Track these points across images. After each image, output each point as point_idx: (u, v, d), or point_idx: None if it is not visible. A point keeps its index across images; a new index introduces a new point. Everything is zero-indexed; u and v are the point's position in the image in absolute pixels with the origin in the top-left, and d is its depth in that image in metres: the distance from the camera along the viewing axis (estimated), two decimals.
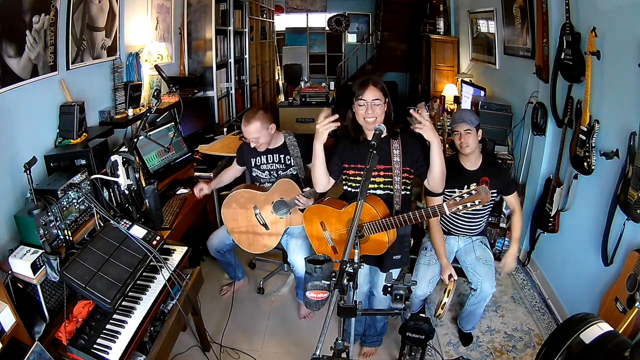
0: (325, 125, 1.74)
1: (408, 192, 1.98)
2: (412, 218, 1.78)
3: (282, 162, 2.50)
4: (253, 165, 2.54)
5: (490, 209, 2.42)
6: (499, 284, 2.97)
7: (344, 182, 2.03)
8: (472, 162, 2.33)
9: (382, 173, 1.91)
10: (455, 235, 2.43)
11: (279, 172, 2.51)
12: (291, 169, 2.51)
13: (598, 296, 2.16)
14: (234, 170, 2.69)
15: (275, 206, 2.45)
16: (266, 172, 2.53)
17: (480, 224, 2.40)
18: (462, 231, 2.40)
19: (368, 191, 1.90)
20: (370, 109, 1.77)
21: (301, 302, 2.80)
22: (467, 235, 2.42)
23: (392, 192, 1.93)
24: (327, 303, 1.30)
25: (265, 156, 2.50)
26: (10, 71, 1.79)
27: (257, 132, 2.35)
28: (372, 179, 1.91)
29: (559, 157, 2.66)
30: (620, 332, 1.69)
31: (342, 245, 1.99)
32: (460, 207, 1.67)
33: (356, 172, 1.96)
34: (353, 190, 1.99)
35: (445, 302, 2.20)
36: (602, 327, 1.40)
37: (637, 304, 1.80)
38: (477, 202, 1.64)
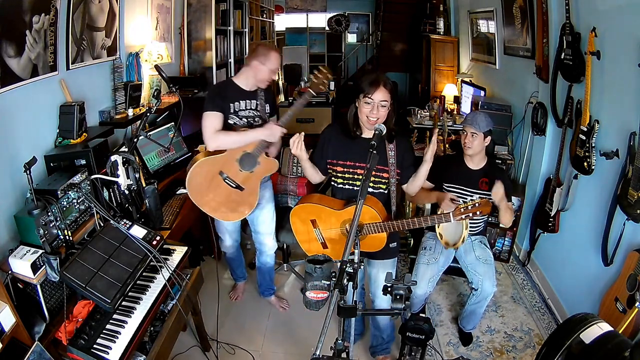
0: (297, 147, 1.84)
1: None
2: (417, 222, 1.80)
3: (256, 108, 2.31)
4: (232, 111, 2.24)
5: None
6: (499, 284, 2.97)
7: (332, 179, 2.03)
8: (475, 162, 2.36)
9: (374, 172, 1.91)
10: None
11: (255, 120, 2.30)
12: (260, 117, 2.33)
13: (598, 296, 2.16)
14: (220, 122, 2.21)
15: (241, 163, 2.21)
16: (244, 119, 2.28)
17: (479, 224, 2.40)
18: None
19: (356, 189, 1.92)
20: (376, 110, 1.77)
21: (270, 298, 2.84)
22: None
23: (385, 192, 1.95)
24: (327, 303, 1.30)
25: (245, 101, 2.27)
26: (10, 71, 1.79)
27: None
28: (361, 177, 1.92)
29: (559, 157, 2.66)
30: (620, 332, 1.69)
31: (333, 242, 1.99)
32: (464, 216, 1.73)
33: (345, 170, 1.96)
34: (339, 186, 1.99)
35: (464, 236, 2.18)
36: (602, 327, 1.40)
37: (637, 304, 1.80)
38: (478, 213, 1.71)
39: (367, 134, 1.87)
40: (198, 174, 2.20)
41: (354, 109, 1.87)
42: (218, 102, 2.19)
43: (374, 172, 1.91)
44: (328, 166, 2.00)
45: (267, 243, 2.61)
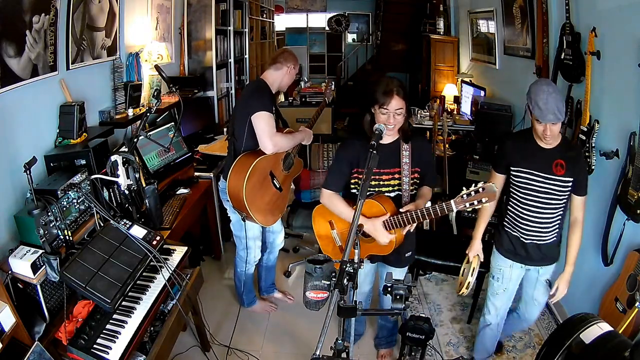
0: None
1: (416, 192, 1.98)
2: (420, 216, 1.77)
3: (277, 111, 2.38)
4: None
5: (565, 198, 1.91)
6: None
7: (352, 186, 1.99)
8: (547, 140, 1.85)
9: (396, 176, 1.91)
10: (524, 263, 2.05)
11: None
12: None
13: (598, 296, 2.16)
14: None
15: (284, 163, 2.33)
16: None
17: (554, 226, 1.97)
18: (534, 237, 1.98)
19: (383, 194, 1.91)
20: (393, 118, 1.77)
21: (274, 294, 2.85)
22: (537, 262, 2.05)
23: (398, 193, 1.93)
24: (327, 303, 1.30)
25: (275, 104, 2.33)
26: (10, 71, 1.79)
27: None
28: (386, 183, 1.92)
29: None
30: (620, 332, 1.69)
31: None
32: (468, 204, 1.64)
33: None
34: None
35: (470, 282, 2.05)
36: (602, 327, 1.40)
37: (637, 304, 1.80)
38: (484, 200, 1.59)
39: (386, 139, 1.87)
40: (256, 173, 2.15)
41: (369, 117, 1.86)
42: (271, 103, 2.19)
43: (397, 176, 1.91)
44: (354, 175, 1.95)
45: (278, 240, 2.67)
